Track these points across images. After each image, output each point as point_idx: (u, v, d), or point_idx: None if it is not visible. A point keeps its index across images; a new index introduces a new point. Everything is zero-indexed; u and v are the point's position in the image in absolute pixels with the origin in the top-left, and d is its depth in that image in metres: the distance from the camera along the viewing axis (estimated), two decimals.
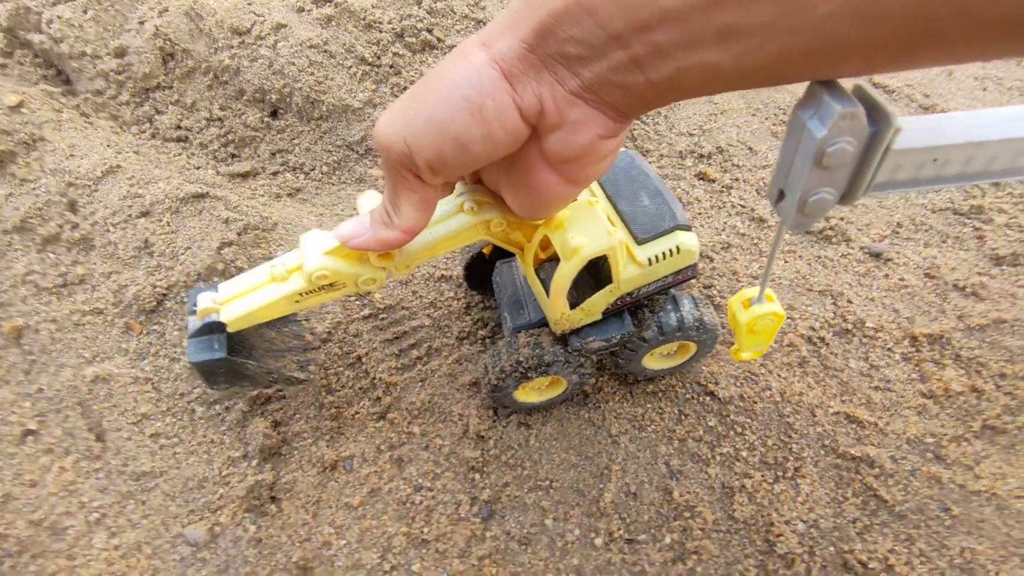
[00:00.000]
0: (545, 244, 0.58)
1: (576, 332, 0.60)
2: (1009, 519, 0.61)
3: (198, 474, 0.69)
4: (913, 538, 0.60)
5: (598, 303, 0.57)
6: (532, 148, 0.38)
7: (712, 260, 0.82)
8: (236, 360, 0.57)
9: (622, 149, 0.61)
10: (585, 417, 0.70)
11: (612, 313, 0.60)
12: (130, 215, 0.83)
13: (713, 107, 1.01)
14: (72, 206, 0.85)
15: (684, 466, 0.66)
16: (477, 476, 0.67)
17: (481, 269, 0.73)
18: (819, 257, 0.82)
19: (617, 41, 0.30)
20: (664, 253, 0.54)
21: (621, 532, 0.62)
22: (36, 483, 0.70)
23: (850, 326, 0.75)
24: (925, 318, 0.75)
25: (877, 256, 0.81)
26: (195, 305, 0.56)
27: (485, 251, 0.71)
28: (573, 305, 0.57)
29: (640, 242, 0.55)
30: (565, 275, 0.52)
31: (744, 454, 0.66)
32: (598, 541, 0.62)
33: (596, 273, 0.58)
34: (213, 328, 0.56)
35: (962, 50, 0.26)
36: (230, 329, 0.56)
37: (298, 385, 0.67)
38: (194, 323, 0.56)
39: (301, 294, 0.53)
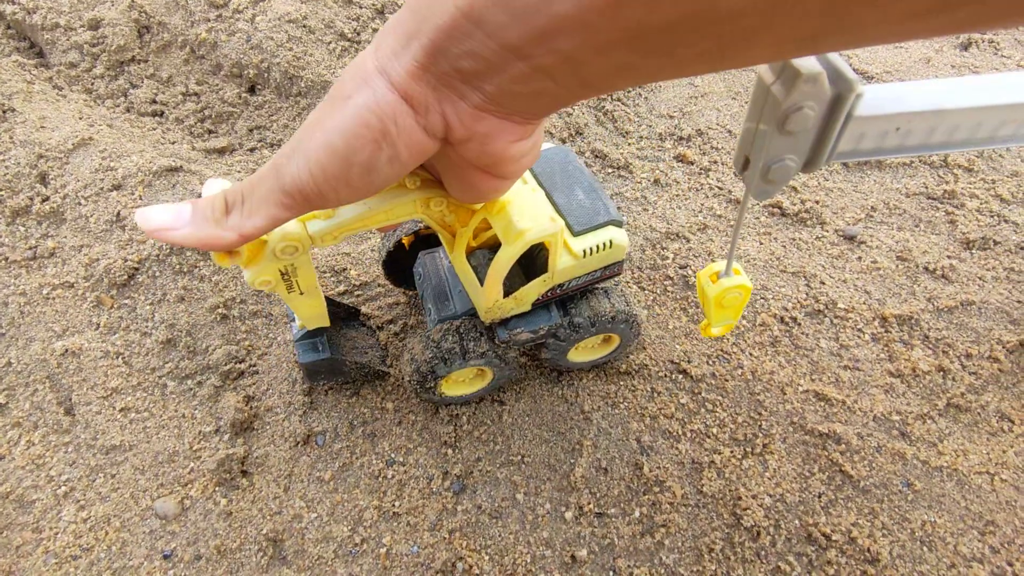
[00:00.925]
0: (477, 231, 0.57)
1: (503, 323, 0.60)
2: (968, 494, 0.62)
3: (169, 448, 0.68)
4: (876, 512, 0.61)
5: (530, 292, 0.57)
6: (451, 152, 0.37)
7: (689, 241, 0.82)
8: (338, 359, 0.63)
9: (557, 146, 0.62)
10: (558, 394, 0.70)
11: (539, 305, 0.60)
12: (102, 188, 0.81)
13: (694, 90, 1.01)
14: (42, 178, 0.83)
15: (655, 442, 0.66)
16: (450, 451, 0.67)
17: (401, 261, 0.71)
18: (793, 239, 0.83)
19: (514, 52, 0.28)
20: (598, 246, 0.55)
21: (591, 506, 0.63)
22: (3, 456, 0.69)
23: (822, 307, 0.75)
24: (895, 300, 0.76)
25: (851, 239, 0.82)
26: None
27: (405, 241, 0.69)
28: (505, 294, 0.56)
29: (576, 234, 0.55)
30: (505, 259, 0.51)
31: (714, 431, 0.67)
32: (568, 515, 0.62)
33: (526, 264, 0.58)
34: (315, 332, 0.62)
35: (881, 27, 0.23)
36: (311, 327, 0.61)
37: (383, 378, 0.71)
38: (296, 327, 0.62)
39: (287, 291, 0.52)
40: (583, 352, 0.68)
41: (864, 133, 0.41)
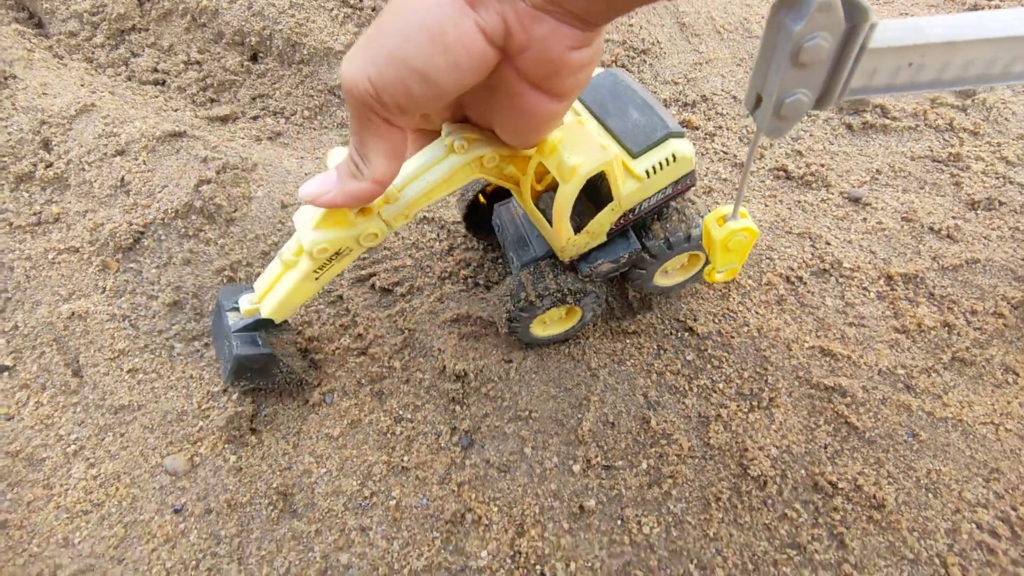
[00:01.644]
0: (540, 175, 0.57)
1: (584, 258, 0.60)
2: (973, 443, 0.63)
3: (177, 408, 0.69)
4: (882, 461, 0.61)
5: (602, 224, 0.57)
6: (508, 71, 0.36)
7: (695, 203, 0.82)
8: (274, 356, 0.62)
9: (605, 70, 0.60)
10: (565, 352, 0.70)
11: (617, 233, 0.60)
12: (105, 153, 0.81)
13: (698, 56, 1.01)
14: (46, 144, 0.83)
15: (662, 397, 0.67)
16: (458, 408, 0.67)
17: (480, 215, 0.73)
18: (799, 202, 0.83)
19: None
20: (660, 163, 0.54)
21: (599, 459, 0.63)
22: (12, 416, 0.69)
23: (827, 266, 0.76)
24: (901, 259, 0.76)
25: (856, 201, 0.82)
26: (234, 303, 0.62)
27: (480, 198, 0.70)
28: (577, 230, 0.57)
29: (635, 156, 0.54)
30: (566, 197, 0.51)
31: (721, 386, 0.67)
32: (576, 468, 0.63)
33: (595, 195, 0.58)
34: (257, 327, 0.61)
35: None
36: (277, 320, 0.59)
37: (301, 384, 0.69)
38: (236, 320, 0.61)
39: (316, 271, 0.53)
40: (672, 275, 0.68)
41: (877, 68, 0.41)
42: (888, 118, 0.91)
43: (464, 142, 0.47)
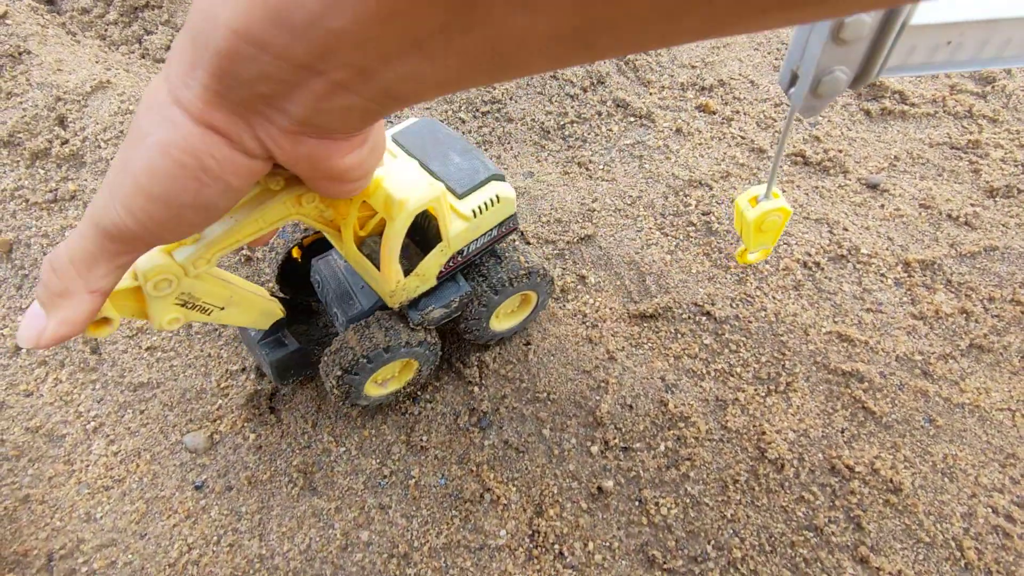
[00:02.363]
0: (362, 220, 0.55)
1: (413, 306, 0.58)
2: (990, 429, 0.63)
3: (196, 386, 0.69)
4: (898, 445, 0.62)
5: (431, 266, 0.55)
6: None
7: (711, 188, 0.82)
8: (304, 348, 0.61)
9: (421, 119, 0.59)
10: (583, 335, 0.71)
11: (445, 278, 0.58)
12: (121, 131, 0.81)
13: (716, 40, 1.00)
14: (61, 121, 0.82)
15: (679, 381, 0.67)
16: (476, 389, 0.67)
17: (294, 272, 0.67)
18: (817, 188, 0.83)
19: (307, 69, 0.25)
20: (485, 203, 0.54)
21: (617, 441, 0.64)
22: (31, 393, 0.69)
23: (845, 252, 0.76)
24: (918, 245, 0.76)
25: (874, 187, 0.82)
26: None
27: (294, 252, 0.66)
28: (406, 274, 0.54)
29: (460, 196, 0.54)
30: (395, 234, 0.49)
31: (738, 370, 0.67)
32: (594, 449, 0.63)
33: (422, 238, 0.56)
34: (275, 328, 0.59)
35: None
36: (265, 324, 0.58)
37: None
38: (255, 330, 0.60)
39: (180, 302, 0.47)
40: (503, 319, 0.67)
41: (916, 45, 0.40)
42: (907, 104, 0.90)
43: (280, 179, 0.40)
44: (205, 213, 0.32)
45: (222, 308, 0.50)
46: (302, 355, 0.62)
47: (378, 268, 0.53)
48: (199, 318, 0.48)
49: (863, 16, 0.36)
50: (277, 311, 0.57)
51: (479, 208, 0.54)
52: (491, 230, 0.57)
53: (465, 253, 0.57)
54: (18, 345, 0.39)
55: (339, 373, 0.56)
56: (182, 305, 0.46)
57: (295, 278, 0.67)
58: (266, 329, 0.59)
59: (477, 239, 0.57)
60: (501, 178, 0.56)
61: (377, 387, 0.62)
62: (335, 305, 0.60)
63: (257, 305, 0.54)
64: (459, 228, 0.54)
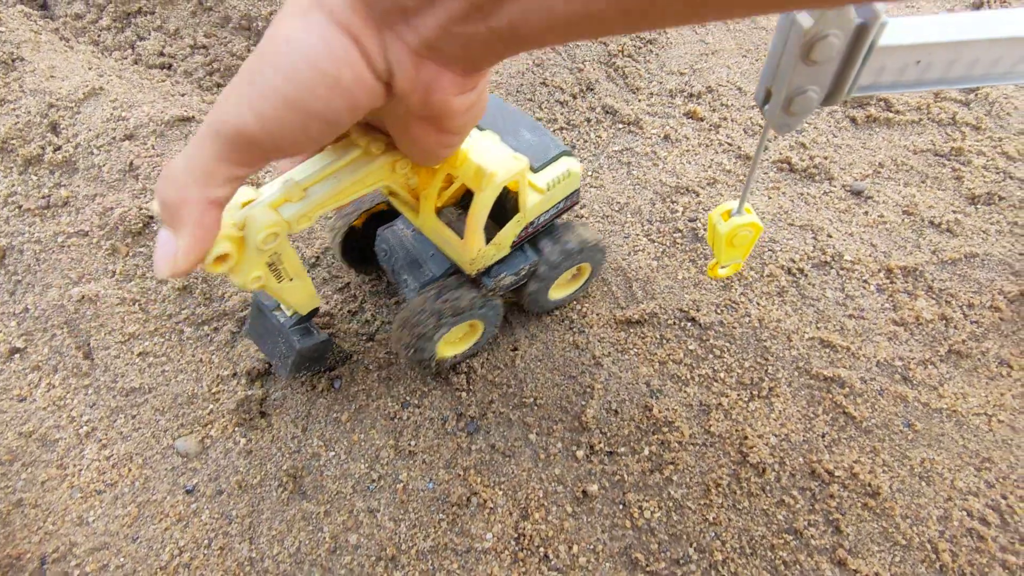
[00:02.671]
0: (439, 192, 0.57)
1: (486, 273, 0.62)
2: (967, 433, 0.64)
3: (187, 391, 0.70)
4: (878, 450, 0.63)
5: (507, 235, 0.59)
6: (398, 105, 0.35)
7: (698, 195, 0.83)
8: (330, 340, 0.63)
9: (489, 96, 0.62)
10: (570, 340, 0.72)
11: (515, 248, 0.62)
12: (114, 138, 0.81)
13: (704, 47, 1.01)
14: (54, 127, 0.83)
15: (664, 386, 0.68)
16: (463, 394, 0.68)
17: (357, 243, 0.70)
18: (801, 194, 0.84)
19: None
20: (558, 178, 0.57)
21: (602, 445, 0.65)
22: (24, 398, 0.70)
23: (828, 259, 0.77)
24: (901, 252, 0.77)
25: (858, 194, 0.83)
26: (276, 303, 0.61)
27: (356, 223, 0.68)
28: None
29: (535, 170, 0.57)
30: (482, 206, 0.52)
31: (722, 375, 0.69)
32: (580, 453, 0.64)
33: (493, 211, 0.58)
34: (304, 317, 0.60)
35: None
36: (306, 310, 0.59)
37: (345, 362, 0.71)
38: (286, 317, 0.61)
39: (276, 279, 0.50)
40: (558, 289, 0.71)
41: (885, 66, 0.41)
42: (892, 112, 0.92)
43: (381, 143, 0.44)
44: (327, 128, 0.33)
45: (291, 280, 0.52)
46: (324, 348, 0.64)
47: (460, 237, 0.56)
48: (270, 285, 0.50)
49: (831, 38, 0.37)
50: (318, 299, 0.59)
51: (552, 182, 0.58)
52: (559, 203, 0.61)
53: (535, 224, 0.61)
54: (157, 278, 0.42)
55: (414, 336, 0.61)
56: (269, 266, 0.48)
57: (354, 249, 0.71)
58: (304, 314, 0.59)
59: (547, 210, 0.60)
60: (570, 154, 0.59)
61: (446, 348, 0.66)
62: (405, 272, 0.64)
63: (309, 287, 0.56)
64: (534, 200, 0.57)
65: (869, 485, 0.61)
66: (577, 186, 0.61)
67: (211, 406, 0.69)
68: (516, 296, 0.69)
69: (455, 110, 0.36)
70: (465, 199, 0.61)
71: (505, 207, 0.58)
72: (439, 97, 0.34)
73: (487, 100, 0.41)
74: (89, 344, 0.73)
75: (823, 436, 0.64)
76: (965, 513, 0.60)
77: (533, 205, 0.57)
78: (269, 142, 0.32)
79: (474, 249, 0.57)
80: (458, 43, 0.30)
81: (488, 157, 0.50)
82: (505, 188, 0.54)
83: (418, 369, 0.70)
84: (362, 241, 0.70)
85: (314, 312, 0.60)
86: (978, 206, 0.81)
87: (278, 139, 0.32)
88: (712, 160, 0.87)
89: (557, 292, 0.71)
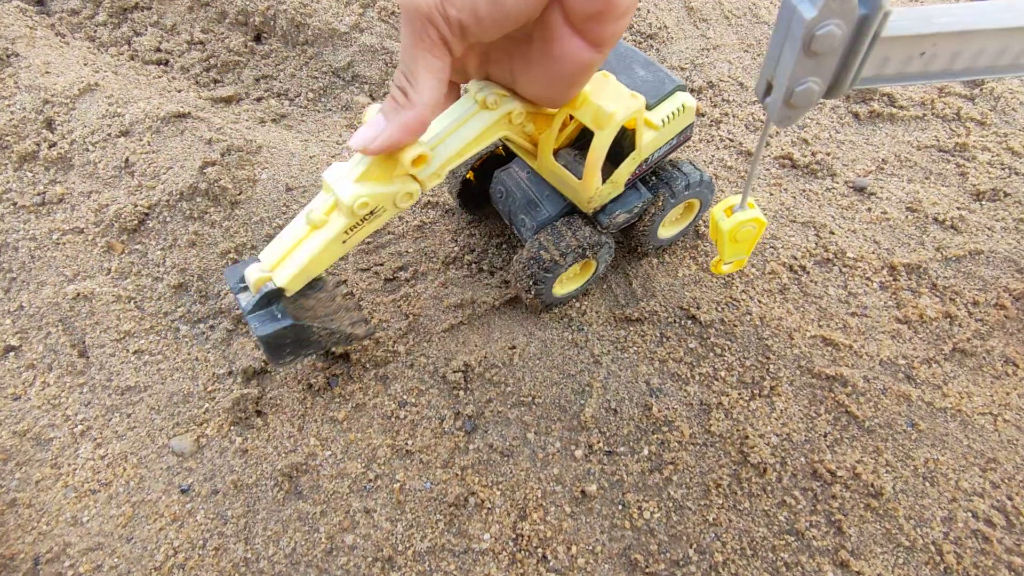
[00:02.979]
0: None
1: (601, 211, 0.63)
2: (972, 433, 0.63)
3: (183, 389, 0.69)
4: (880, 450, 0.62)
5: (623, 173, 0.60)
6: (553, 14, 0.40)
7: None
8: (302, 325, 0.57)
9: None
10: (568, 339, 0.71)
11: (629, 186, 0.64)
12: (109, 134, 0.81)
13: (706, 42, 1.00)
14: (49, 124, 0.82)
15: (664, 384, 0.67)
16: (461, 393, 0.68)
17: (471, 192, 0.76)
18: (804, 191, 0.83)
19: None
20: (672, 113, 0.58)
21: (601, 444, 0.64)
22: (19, 396, 0.70)
23: (831, 256, 0.76)
24: (904, 249, 0.76)
25: (861, 191, 0.82)
26: (241, 282, 0.57)
27: (469, 175, 0.73)
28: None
29: (650, 107, 0.58)
30: (601, 145, 0.54)
31: (722, 374, 0.68)
32: (578, 453, 0.64)
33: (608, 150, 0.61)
34: (270, 300, 0.55)
35: None
36: (289, 291, 0.55)
37: (363, 340, 0.67)
38: (247, 299, 0.55)
39: (347, 231, 0.52)
40: (668, 226, 0.72)
41: (888, 57, 0.40)
42: (895, 107, 0.90)
43: (496, 97, 0.49)
44: (494, 9, 0.39)
45: (344, 242, 0.54)
46: (297, 332, 0.57)
47: (578, 177, 0.58)
48: (371, 225, 0.53)
49: (833, 28, 0.36)
50: (299, 286, 0.55)
51: (667, 117, 0.59)
52: (673, 139, 0.62)
53: (649, 161, 0.62)
54: (350, 146, 0.46)
55: (534, 273, 0.63)
56: (362, 219, 0.52)
57: (470, 194, 0.76)
58: (258, 298, 0.55)
59: (661, 147, 0.62)
60: (684, 88, 0.60)
61: (562, 286, 0.68)
62: (522, 212, 0.67)
63: (330, 263, 0.57)
64: (649, 137, 0.59)
65: (872, 486, 0.60)
66: (691, 121, 0.62)
67: (207, 405, 0.68)
68: (625, 236, 0.71)
69: (617, 6, 0.39)
70: (579, 140, 0.64)
71: (620, 145, 0.59)
72: None
73: (633, 11, 0.43)
74: (84, 342, 0.73)
75: (825, 436, 0.63)
76: (970, 514, 0.59)
77: (648, 142, 0.58)
78: (442, 10, 0.38)
79: (592, 188, 0.58)
80: None
81: (606, 97, 0.52)
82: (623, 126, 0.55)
83: (533, 306, 0.71)
84: (478, 185, 0.75)
85: (275, 295, 0.55)
86: (983, 202, 0.80)
87: (451, 7, 0.38)
88: (713, 156, 0.86)
89: (666, 230, 0.72)
